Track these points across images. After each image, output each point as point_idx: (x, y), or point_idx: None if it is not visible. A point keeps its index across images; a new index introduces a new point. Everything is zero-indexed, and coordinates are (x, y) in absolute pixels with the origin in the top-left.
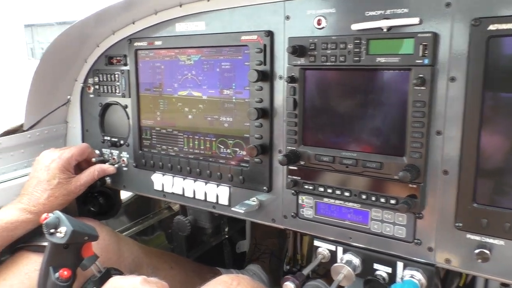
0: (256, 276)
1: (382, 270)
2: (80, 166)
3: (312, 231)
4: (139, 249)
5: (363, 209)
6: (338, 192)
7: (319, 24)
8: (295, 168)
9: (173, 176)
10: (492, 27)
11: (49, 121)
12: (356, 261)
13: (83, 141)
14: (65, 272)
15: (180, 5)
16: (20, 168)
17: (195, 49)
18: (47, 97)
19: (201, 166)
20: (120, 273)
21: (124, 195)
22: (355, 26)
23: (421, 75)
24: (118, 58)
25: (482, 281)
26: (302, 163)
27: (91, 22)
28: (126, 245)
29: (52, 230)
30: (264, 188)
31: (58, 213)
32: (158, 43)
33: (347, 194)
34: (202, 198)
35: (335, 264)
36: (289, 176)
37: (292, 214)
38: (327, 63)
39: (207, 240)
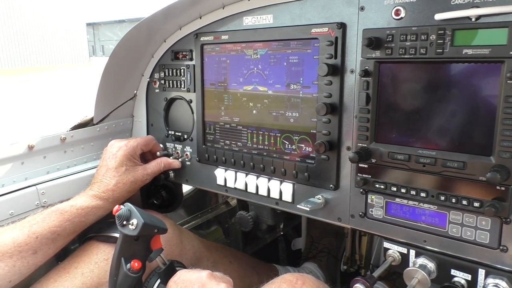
0: (313, 275)
1: (460, 277)
2: (145, 157)
3: (382, 232)
4: (199, 243)
5: (440, 211)
6: (413, 192)
7: (397, 14)
8: (365, 166)
9: (236, 171)
10: None
11: (117, 115)
12: (431, 265)
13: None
14: (136, 264)
15: None
16: (90, 160)
17: (262, 43)
18: (115, 92)
19: (264, 162)
20: (183, 266)
21: (183, 189)
22: (439, 16)
23: None
24: (184, 53)
25: None
26: (373, 161)
27: (159, 18)
28: (187, 239)
29: (124, 222)
30: (331, 185)
31: (130, 205)
32: (224, 37)
33: (423, 194)
34: (265, 194)
35: (409, 268)
36: (358, 174)
37: (360, 213)
38: (406, 56)
39: (263, 236)
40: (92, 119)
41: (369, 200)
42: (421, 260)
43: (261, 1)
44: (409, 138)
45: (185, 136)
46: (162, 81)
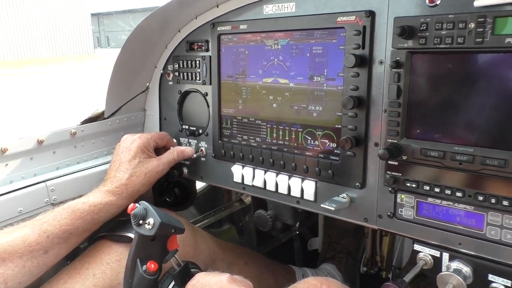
0: (331, 276)
1: (499, 283)
2: (159, 153)
3: (413, 234)
4: (214, 243)
5: (477, 212)
6: (447, 191)
7: (431, 2)
8: (396, 163)
9: (254, 168)
10: None
11: (128, 109)
12: (467, 270)
13: (160, 130)
14: (152, 265)
15: None
16: (101, 156)
17: (283, 32)
18: (127, 84)
19: (285, 158)
20: (198, 267)
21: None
22: (479, 2)
23: None
24: (199, 44)
25: None
26: (404, 157)
27: (174, 7)
28: (201, 238)
29: (140, 221)
30: (357, 184)
31: (145, 203)
32: (243, 27)
33: (459, 194)
34: (285, 192)
35: (443, 273)
36: (388, 172)
37: (389, 213)
38: (441, 46)
39: (277, 236)
40: (103, 113)
41: (398, 200)
42: (456, 264)
43: None
44: (443, 134)
45: (200, 131)
46: (176, 73)
